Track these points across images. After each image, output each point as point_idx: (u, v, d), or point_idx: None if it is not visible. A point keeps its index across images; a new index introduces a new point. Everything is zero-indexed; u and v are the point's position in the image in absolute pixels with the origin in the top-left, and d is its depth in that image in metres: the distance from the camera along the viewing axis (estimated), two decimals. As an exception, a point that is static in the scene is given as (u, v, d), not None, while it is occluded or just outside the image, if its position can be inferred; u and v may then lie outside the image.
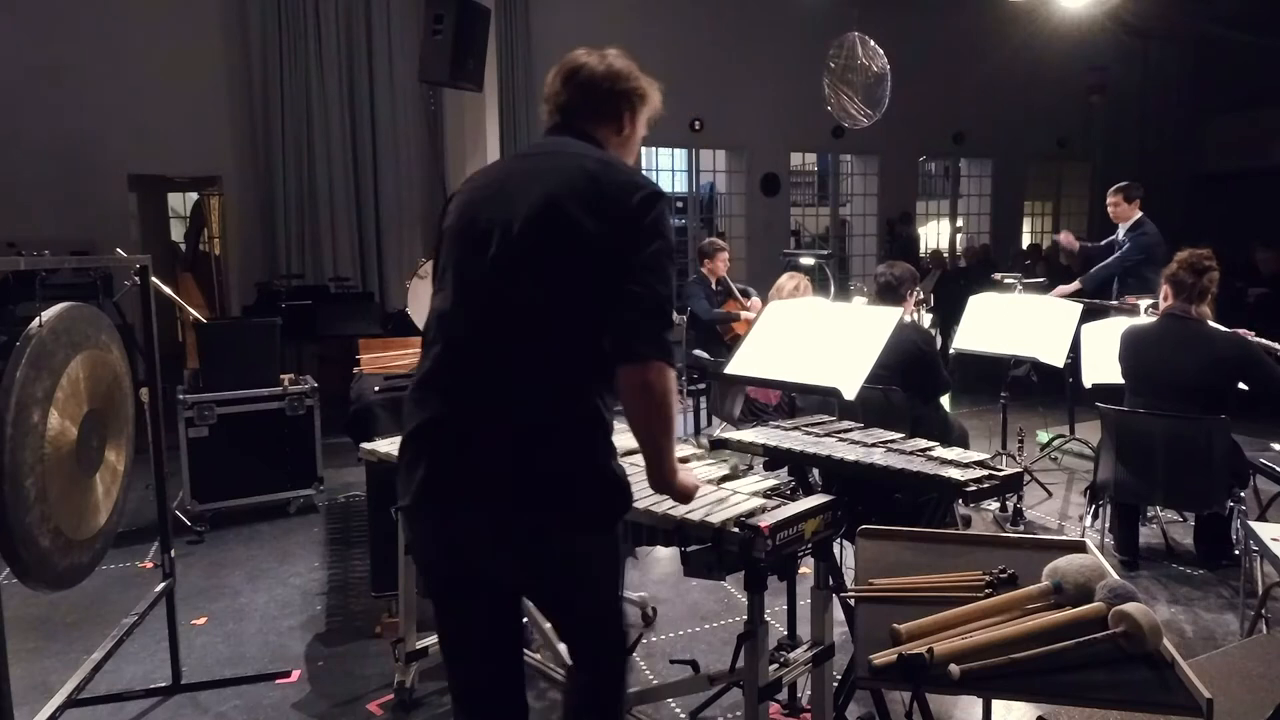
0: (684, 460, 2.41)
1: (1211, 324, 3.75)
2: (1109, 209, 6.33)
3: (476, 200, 1.78)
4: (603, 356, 1.64)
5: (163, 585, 3.06)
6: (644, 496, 2.12)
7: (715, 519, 1.95)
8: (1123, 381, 3.93)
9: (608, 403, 1.70)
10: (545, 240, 1.65)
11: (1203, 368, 3.61)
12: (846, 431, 2.69)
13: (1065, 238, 6.64)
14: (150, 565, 4.16)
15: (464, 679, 1.88)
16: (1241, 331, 3.88)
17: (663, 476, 1.74)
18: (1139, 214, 6.23)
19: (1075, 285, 6.37)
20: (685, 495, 1.83)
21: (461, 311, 1.70)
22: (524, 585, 1.79)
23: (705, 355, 5.81)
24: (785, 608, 2.78)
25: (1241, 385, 3.68)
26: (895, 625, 1.48)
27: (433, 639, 3.03)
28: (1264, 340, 4.01)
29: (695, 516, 1.97)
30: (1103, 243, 6.56)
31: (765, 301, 5.68)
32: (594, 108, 1.83)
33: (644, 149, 11.47)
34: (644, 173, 12.17)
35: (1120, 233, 6.31)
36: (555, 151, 1.78)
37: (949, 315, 6.73)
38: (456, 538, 1.72)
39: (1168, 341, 3.72)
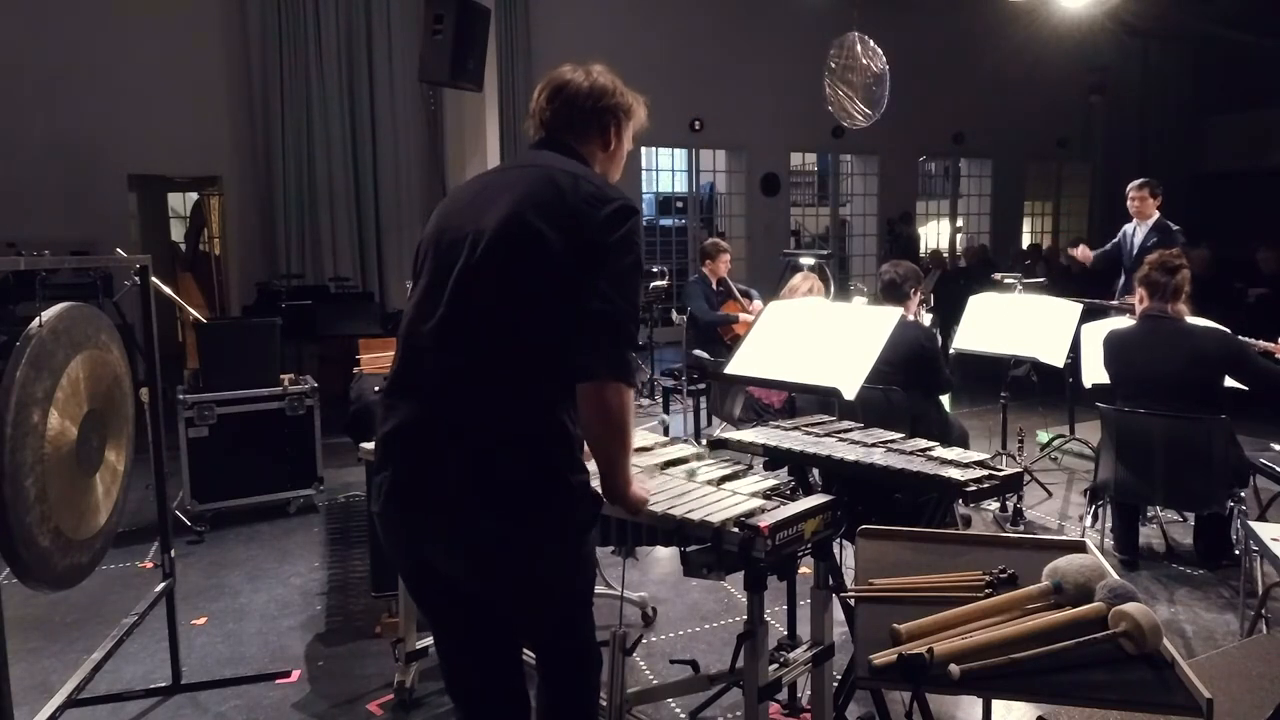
0: (682, 460, 2.42)
1: (1190, 319, 3.78)
2: (1132, 204, 6.22)
3: (452, 211, 1.81)
4: (567, 369, 1.65)
5: (163, 585, 3.06)
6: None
7: (715, 519, 1.94)
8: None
9: (572, 414, 1.69)
10: (511, 252, 1.66)
11: (1188, 363, 3.63)
12: (846, 431, 2.69)
13: (1082, 252, 6.61)
14: (150, 565, 4.16)
15: (454, 678, 1.89)
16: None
17: (615, 488, 1.78)
18: (1158, 212, 6.20)
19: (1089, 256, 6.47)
20: (636, 507, 1.86)
21: (430, 320, 1.71)
22: (486, 592, 1.78)
23: (705, 355, 5.82)
24: (785, 608, 2.78)
25: (1230, 382, 3.69)
26: (895, 625, 1.48)
27: (432, 639, 3.04)
28: (1243, 338, 4.03)
29: (695, 516, 1.97)
30: (1106, 247, 6.54)
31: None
32: (579, 124, 1.85)
33: (644, 149, 11.51)
34: (644, 172, 12.13)
35: (1139, 232, 6.23)
36: (530, 165, 1.79)
37: (949, 315, 6.72)
38: (422, 544, 1.73)
39: (1150, 341, 3.74)
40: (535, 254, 1.64)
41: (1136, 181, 6.27)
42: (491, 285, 1.66)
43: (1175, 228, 6.14)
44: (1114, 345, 3.87)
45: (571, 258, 1.64)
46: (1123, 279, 6.45)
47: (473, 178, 1.94)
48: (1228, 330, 3.80)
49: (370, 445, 2.96)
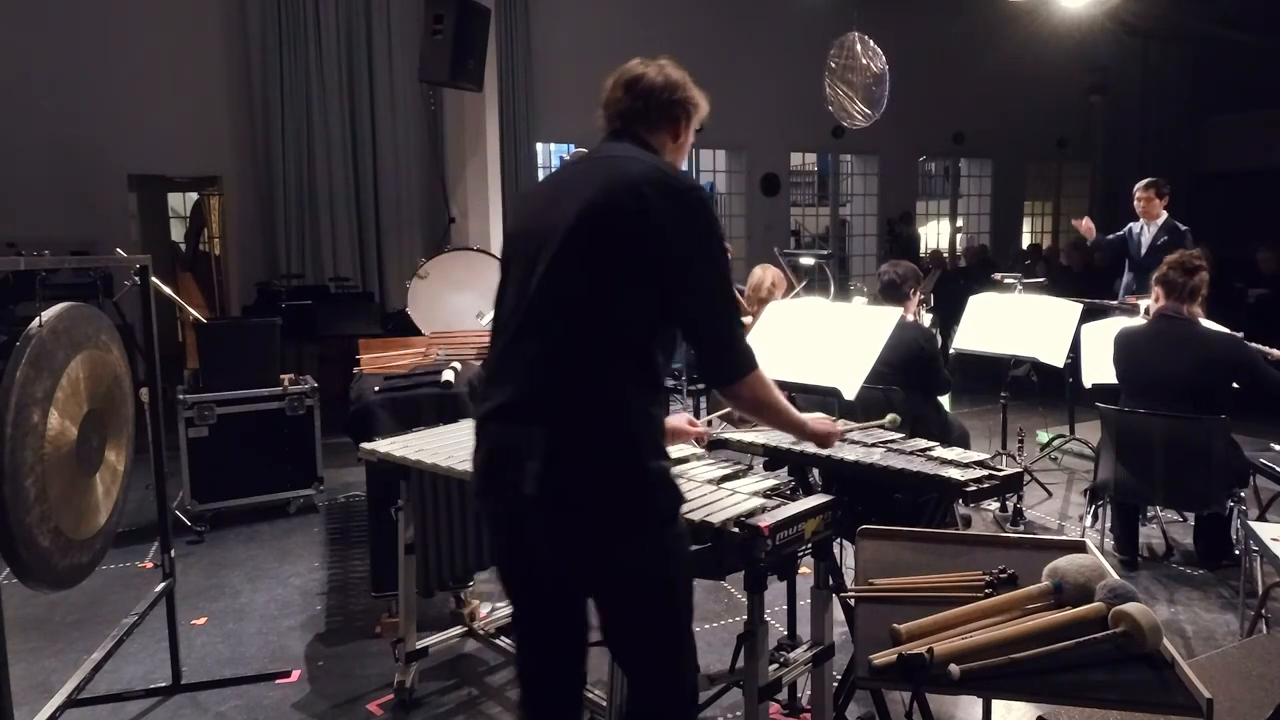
0: (683, 460, 2.41)
1: (1204, 324, 3.77)
2: (1139, 204, 6.20)
3: (531, 208, 1.88)
4: (650, 356, 1.71)
5: (163, 585, 3.06)
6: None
7: (715, 519, 1.94)
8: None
9: (652, 398, 1.73)
10: (591, 239, 1.70)
11: (1197, 367, 3.62)
12: (846, 431, 2.69)
13: (1086, 225, 6.55)
14: (150, 565, 4.16)
15: (527, 665, 1.92)
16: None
17: (800, 435, 2.11)
18: (1165, 212, 6.18)
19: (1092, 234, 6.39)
20: (828, 440, 2.19)
21: (517, 310, 1.76)
22: (573, 581, 1.79)
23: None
24: (785, 608, 2.78)
25: (1235, 386, 3.69)
26: (895, 625, 1.48)
27: (432, 639, 3.05)
28: (1257, 345, 4.02)
29: (695, 516, 1.96)
30: (1110, 236, 6.52)
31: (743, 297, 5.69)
32: (653, 116, 1.89)
33: (644, 149, 11.49)
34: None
35: (1148, 231, 6.20)
36: (608, 156, 1.85)
37: (949, 315, 6.73)
38: (508, 529, 1.78)
39: (1162, 342, 3.73)
40: (614, 240, 1.69)
41: (1143, 182, 6.24)
42: (573, 273, 1.70)
43: (1184, 228, 6.12)
44: (1125, 343, 3.86)
45: (649, 242, 1.68)
46: (1124, 278, 6.44)
47: (548, 175, 2.03)
48: (1240, 337, 3.79)
49: (370, 445, 3.00)
